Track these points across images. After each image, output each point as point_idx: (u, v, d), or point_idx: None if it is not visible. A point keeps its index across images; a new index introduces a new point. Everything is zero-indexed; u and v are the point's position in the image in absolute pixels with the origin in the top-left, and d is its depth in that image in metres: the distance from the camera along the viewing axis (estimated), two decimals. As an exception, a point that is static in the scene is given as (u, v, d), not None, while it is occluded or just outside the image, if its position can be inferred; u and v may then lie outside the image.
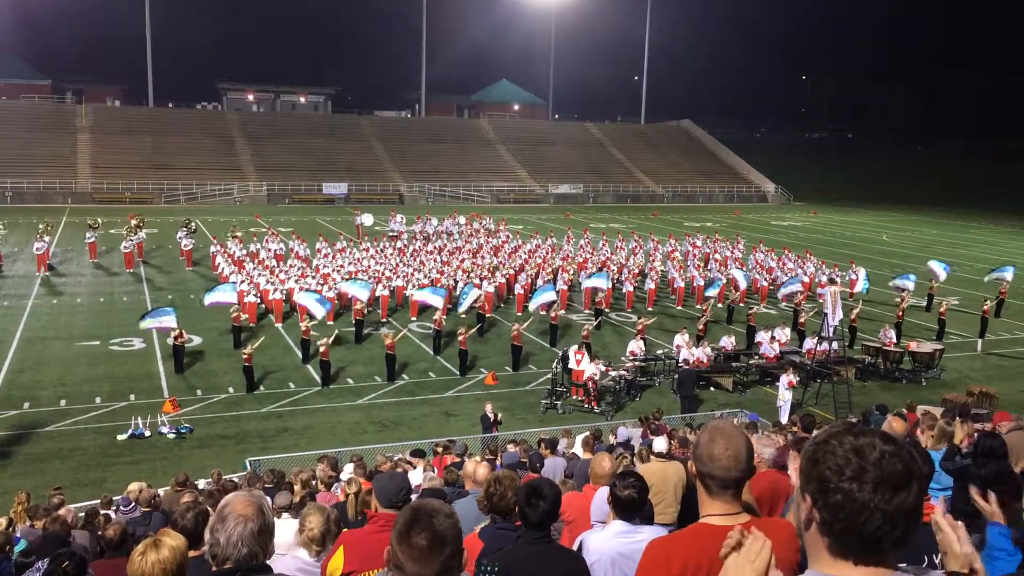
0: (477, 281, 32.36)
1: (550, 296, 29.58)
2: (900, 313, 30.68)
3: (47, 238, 38.92)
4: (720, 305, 32.74)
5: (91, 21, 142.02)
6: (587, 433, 14.34)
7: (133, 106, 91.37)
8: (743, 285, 34.77)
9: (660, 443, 9.55)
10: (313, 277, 32.42)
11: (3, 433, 19.09)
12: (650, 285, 34.89)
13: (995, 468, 5.36)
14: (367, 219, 51.00)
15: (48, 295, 33.34)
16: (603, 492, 5.27)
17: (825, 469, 1.84)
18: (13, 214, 55.76)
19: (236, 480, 14.18)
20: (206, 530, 3.07)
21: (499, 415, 19.52)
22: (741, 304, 32.55)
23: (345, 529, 5.84)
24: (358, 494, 8.31)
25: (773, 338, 25.61)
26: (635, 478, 4.62)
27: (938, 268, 36.93)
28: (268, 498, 4.92)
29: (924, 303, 34.38)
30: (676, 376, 23.51)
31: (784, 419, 19.94)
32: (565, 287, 34.18)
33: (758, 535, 2.05)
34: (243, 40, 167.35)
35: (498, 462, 12.07)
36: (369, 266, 35.34)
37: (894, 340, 26.77)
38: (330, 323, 28.95)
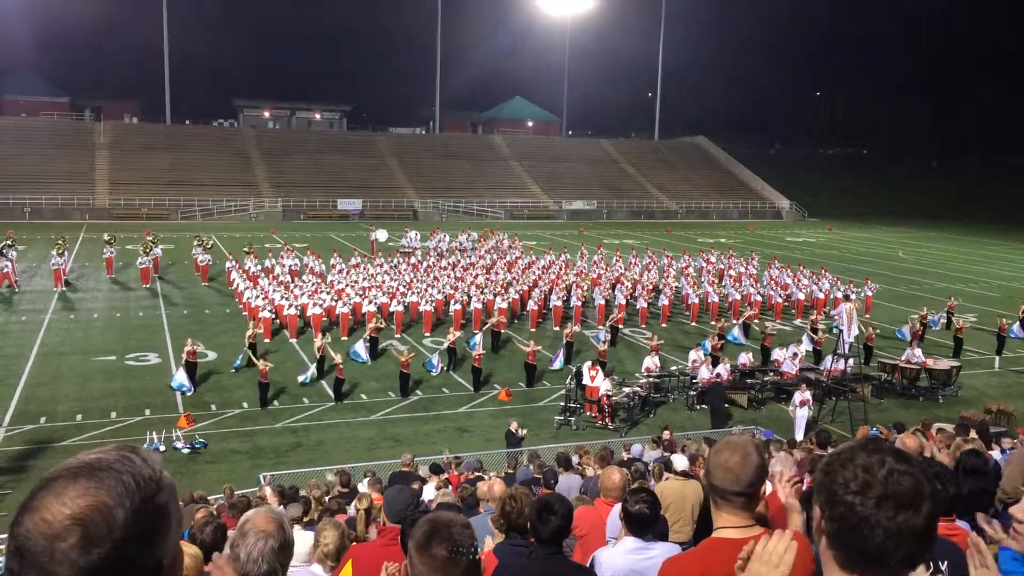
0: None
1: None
2: (919, 330, 30.47)
3: (64, 254, 39.28)
4: (736, 322, 32.60)
5: (109, 39, 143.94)
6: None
7: (150, 123, 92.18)
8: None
9: (680, 461, 9.45)
10: (327, 293, 32.56)
11: (20, 447, 19.22)
12: (664, 301, 34.84)
13: (976, 487, 5.30)
14: (381, 235, 51.20)
15: (65, 310, 33.60)
16: (618, 508, 5.28)
17: (833, 482, 1.85)
18: (31, 230, 56.33)
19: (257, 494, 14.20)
20: (226, 545, 3.11)
21: (524, 431, 19.57)
22: (756, 320, 32.42)
23: (353, 543, 5.87)
24: (369, 510, 8.32)
25: (795, 355, 25.46)
26: (646, 493, 4.63)
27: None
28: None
29: (944, 320, 34.03)
30: (707, 389, 23.29)
31: (799, 436, 19.82)
32: (579, 303, 34.17)
33: (784, 535, 2.04)
34: (259, 58, 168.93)
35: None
36: (383, 282, 35.45)
37: (927, 361, 25.94)
38: (344, 338, 29.05)
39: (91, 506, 1.38)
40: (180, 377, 23.79)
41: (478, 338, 27.01)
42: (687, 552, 3.14)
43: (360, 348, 27.07)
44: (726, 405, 23.02)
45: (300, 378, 24.41)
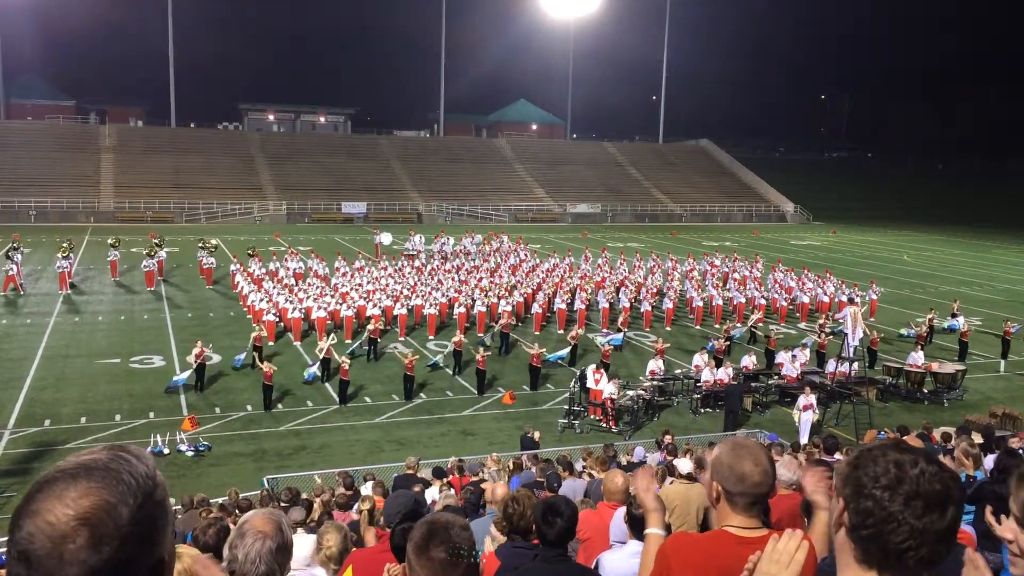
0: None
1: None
2: (922, 335, 30.37)
3: (70, 256, 39.32)
4: (740, 325, 32.54)
5: (115, 43, 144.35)
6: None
7: (155, 126, 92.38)
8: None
9: (685, 464, 9.44)
10: (332, 296, 32.57)
11: (24, 450, 19.24)
12: (668, 304, 34.78)
13: (1003, 490, 5.27)
14: (386, 238, 51.21)
15: (69, 313, 33.66)
16: (622, 511, 5.25)
17: (863, 474, 1.85)
18: (36, 233, 56.47)
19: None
20: (225, 546, 3.09)
21: (538, 433, 19.56)
22: (760, 324, 32.34)
23: (354, 548, 5.84)
24: (372, 511, 8.31)
25: (794, 358, 25.41)
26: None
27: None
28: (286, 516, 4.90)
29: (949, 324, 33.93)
30: (726, 392, 23.24)
31: (804, 440, 19.75)
32: (583, 306, 34.11)
33: (795, 535, 2.03)
34: (264, 61, 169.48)
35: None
36: (387, 285, 35.45)
37: (932, 364, 25.92)
38: (348, 341, 29.05)
39: (96, 505, 1.39)
40: (181, 376, 23.99)
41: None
42: (693, 535, 3.11)
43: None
44: (742, 409, 22.99)
45: (305, 373, 25.17)
